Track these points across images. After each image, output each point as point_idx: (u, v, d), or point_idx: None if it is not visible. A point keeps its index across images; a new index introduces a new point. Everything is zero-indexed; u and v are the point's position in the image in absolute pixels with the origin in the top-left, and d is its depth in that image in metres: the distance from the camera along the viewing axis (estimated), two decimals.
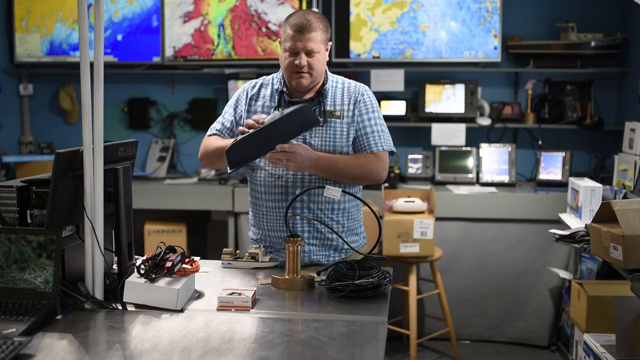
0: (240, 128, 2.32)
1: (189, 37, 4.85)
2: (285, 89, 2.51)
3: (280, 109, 2.48)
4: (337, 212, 2.49)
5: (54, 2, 4.98)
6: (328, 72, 2.55)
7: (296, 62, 2.40)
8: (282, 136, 2.24)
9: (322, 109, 2.47)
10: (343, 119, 2.48)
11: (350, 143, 2.48)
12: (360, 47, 4.69)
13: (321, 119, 2.45)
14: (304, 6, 4.70)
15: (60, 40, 5.01)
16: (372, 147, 2.49)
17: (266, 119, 2.26)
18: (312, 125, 2.33)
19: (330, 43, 2.50)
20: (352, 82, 2.56)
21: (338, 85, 2.53)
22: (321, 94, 2.49)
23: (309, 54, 2.40)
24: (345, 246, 2.52)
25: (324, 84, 2.51)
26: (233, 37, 4.81)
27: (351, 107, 2.49)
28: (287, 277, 2.17)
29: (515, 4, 4.71)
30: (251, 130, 2.24)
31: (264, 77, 2.61)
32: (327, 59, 2.51)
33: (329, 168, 2.39)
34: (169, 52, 4.87)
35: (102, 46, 1.99)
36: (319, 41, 2.41)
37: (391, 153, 2.55)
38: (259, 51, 4.80)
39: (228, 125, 2.59)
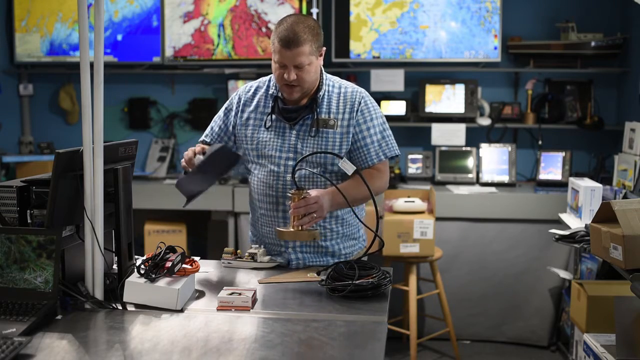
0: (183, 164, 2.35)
1: (189, 37, 4.85)
2: (280, 95, 2.47)
3: (273, 115, 2.46)
4: (329, 219, 2.46)
5: (54, 2, 4.98)
6: (324, 75, 2.49)
7: (285, 76, 2.34)
8: (211, 173, 2.31)
9: (315, 117, 2.43)
10: (337, 128, 2.42)
11: (343, 153, 2.42)
12: (360, 47, 4.69)
13: (313, 130, 2.42)
14: (304, 6, 4.70)
15: (60, 40, 5.01)
16: (374, 158, 2.45)
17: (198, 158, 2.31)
18: (236, 161, 2.35)
19: (323, 49, 2.42)
20: (349, 87, 2.49)
21: (334, 90, 2.47)
22: (315, 101, 2.44)
23: (298, 67, 2.33)
24: (343, 251, 2.51)
25: (318, 89, 2.45)
26: (233, 37, 4.81)
27: (346, 115, 2.43)
28: (292, 229, 2.19)
29: (515, 4, 4.71)
30: (182, 176, 2.33)
31: (260, 79, 2.57)
32: (321, 64, 2.44)
33: (344, 201, 2.30)
34: (169, 52, 4.87)
35: (102, 46, 2.00)
36: (308, 54, 2.32)
37: (395, 157, 2.52)
38: (259, 51, 4.80)
39: (217, 130, 2.58)
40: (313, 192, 2.25)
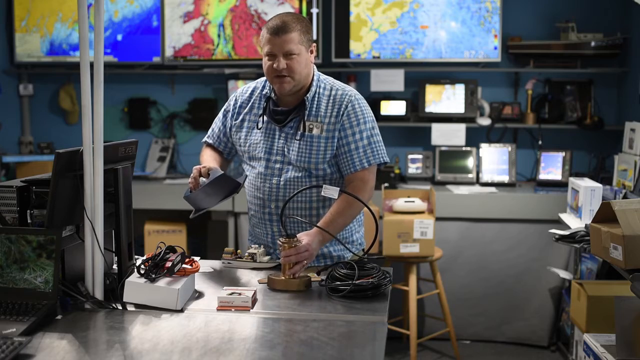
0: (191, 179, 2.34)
1: (189, 37, 4.85)
2: (273, 96, 2.46)
3: (264, 117, 2.46)
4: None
5: (54, 2, 4.98)
6: (317, 75, 2.46)
7: (274, 65, 2.32)
8: (214, 196, 2.31)
9: (302, 121, 2.41)
10: (322, 132, 2.39)
11: (328, 158, 2.40)
12: (360, 47, 4.69)
13: (298, 134, 2.40)
14: (304, 6, 4.70)
15: (60, 40, 5.01)
16: (357, 165, 2.39)
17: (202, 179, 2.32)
18: (236, 188, 2.32)
19: (314, 45, 2.42)
20: (340, 89, 2.44)
21: (325, 92, 2.43)
22: (304, 104, 2.41)
23: (287, 55, 2.31)
24: (334, 254, 2.49)
25: (308, 90, 2.42)
26: (233, 37, 4.81)
27: (333, 119, 2.40)
28: (283, 278, 2.16)
29: (515, 4, 4.71)
30: (191, 192, 2.33)
31: (259, 79, 2.57)
32: (313, 60, 2.42)
33: (334, 232, 2.31)
34: (169, 52, 4.87)
35: (102, 46, 2.00)
36: (297, 42, 2.32)
37: (382, 163, 2.46)
38: (259, 51, 4.79)
39: (217, 132, 2.61)
40: (303, 239, 2.20)
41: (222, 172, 2.32)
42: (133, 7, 4.91)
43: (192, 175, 2.33)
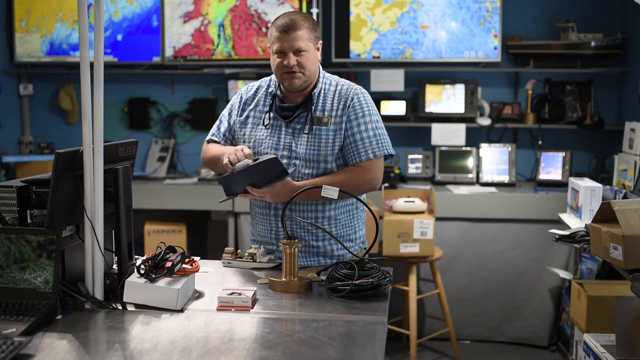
0: (225, 161, 2.34)
1: (189, 37, 4.85)
2: (279, 93, 2.49)
3: (270, 113, 2.48)
4: (322, 220, 2.46)
5: (54, 2, 4.98)
6: (322, 73, 2.51)
7: (285, 62, 2.37)
8: (254, 180, 2.31)
9: (309, 115, 2.44)
10: (330, 125, 2.42)
11: (336, 150, 2.43)
12: (360, 47, 4.69)
13: (306, 128, 2.43)
14: (304, 6, 4.70)
15: (60, 40, 5.01)
16: (362, 155, 2.42)
17: (238, 163, 2.30)
18: (283, 175, 2.31)
19: (320, 42, 2.46)
20: (346, 84, 2.50)
21: (330, 88, 2.48)
22: (310, 99, 2.45)
23: (297, 52, 2.36)
24: (336, 252, 2.49)
25: (314, 87, 2.46)
26: (233, 37, 4.81)
27: (339, 112, 2.44)
28: (284, 279, 2.16)
29: (515, 4, 4.71)
30: (228, 173, 2.33)
31: (263, 79, 2.60)
32: (319, 58, 2.47)
33: (312, 195, 2.32)
34: (169, 52, 4.87)
35: (102, 46, 2.00)
36: (306, 39, 2.37)
37: (389, 156, 2.49)
38: (259, 51, 4.80)
39: (222, 131, 2.61)
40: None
41: (274, 155, 2.32)
42: (133, 7, 4.91)
43: (230, 157, 2.31)
